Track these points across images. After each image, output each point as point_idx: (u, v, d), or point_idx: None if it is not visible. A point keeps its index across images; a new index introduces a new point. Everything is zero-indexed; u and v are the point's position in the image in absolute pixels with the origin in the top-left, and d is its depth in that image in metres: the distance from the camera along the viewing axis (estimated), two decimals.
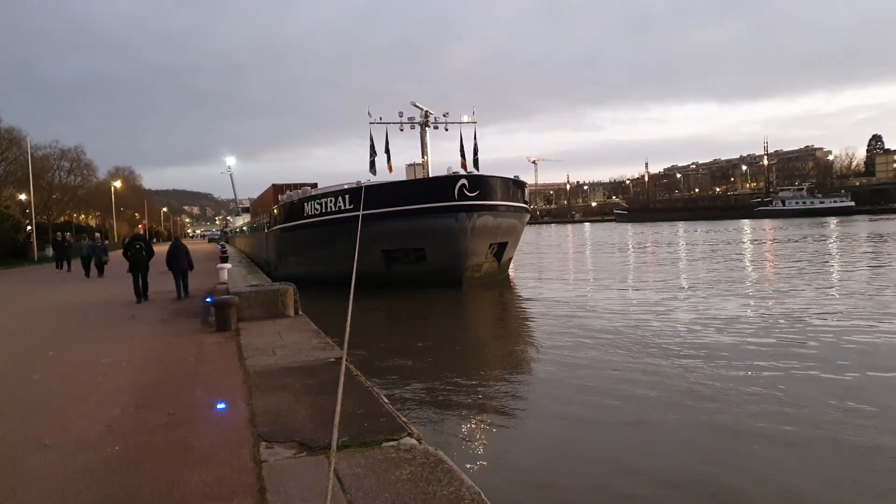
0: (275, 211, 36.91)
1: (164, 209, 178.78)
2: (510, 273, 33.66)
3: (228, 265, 23.05)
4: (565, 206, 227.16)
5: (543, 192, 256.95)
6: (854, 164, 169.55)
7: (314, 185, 36.98)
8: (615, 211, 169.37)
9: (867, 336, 14.46)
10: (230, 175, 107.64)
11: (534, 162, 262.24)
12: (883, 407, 9.48)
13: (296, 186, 38.33)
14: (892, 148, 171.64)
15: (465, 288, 26.89)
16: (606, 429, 9.24)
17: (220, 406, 7.10)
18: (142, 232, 42.65)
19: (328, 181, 31.12)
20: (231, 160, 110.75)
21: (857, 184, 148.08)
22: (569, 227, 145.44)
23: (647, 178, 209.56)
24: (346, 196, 27.90)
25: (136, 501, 4.79)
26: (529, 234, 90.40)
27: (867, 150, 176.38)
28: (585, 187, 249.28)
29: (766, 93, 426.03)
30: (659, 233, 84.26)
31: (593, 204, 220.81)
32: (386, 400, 7.21)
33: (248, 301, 13.48)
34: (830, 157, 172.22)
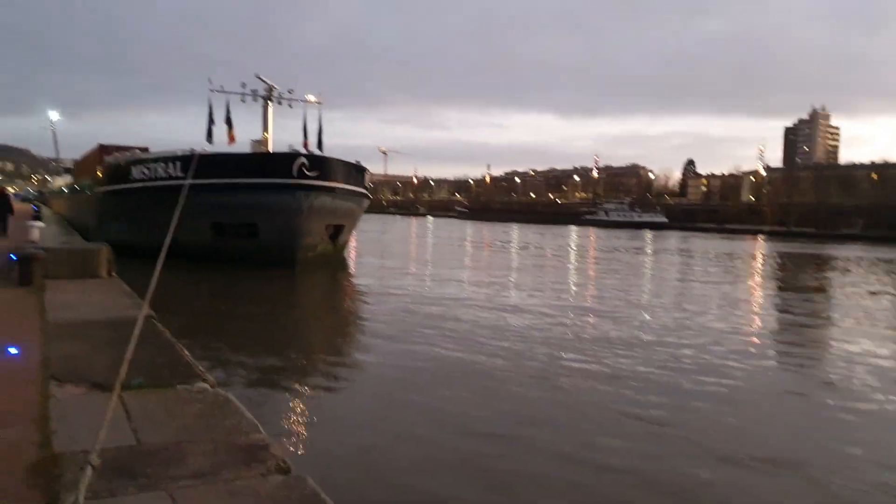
0: (98, 173, 34.68)
1: None
2: (350, 257, 34.09)
3: (41, 223, 21.59)
4: (412, 198, 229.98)
5: (391, 183, 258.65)
6: (670, 183, 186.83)
7: (145, 150, 35.18)
8: (457, 208, 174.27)
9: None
10: (52, 131, 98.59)
11: (384, 152, 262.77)
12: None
13: (125, 149, 36.21)
14: (702, 173, 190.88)
15: (299, 267, 26.95)
16: (410, 391, 10.00)
17: (12, 351, 7.04)
18: None
19: (162, 148, 29.77)
20: (55, 115, 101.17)
21: (672, 202, 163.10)
22: (413, 219, 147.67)
23: (488, 180, 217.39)
24: (178, 163, 26.92)
25: None
26: (374, 224, 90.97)
27: (682, 173, 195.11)
28: (431, 182, 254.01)
29: (598, 111, 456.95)
30: (495, 232, 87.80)
31: (437, 199, 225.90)
32: (187, 353, 7.51)
33: (56, 258, 12.92)
34: (651, 176, 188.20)
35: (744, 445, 8.24)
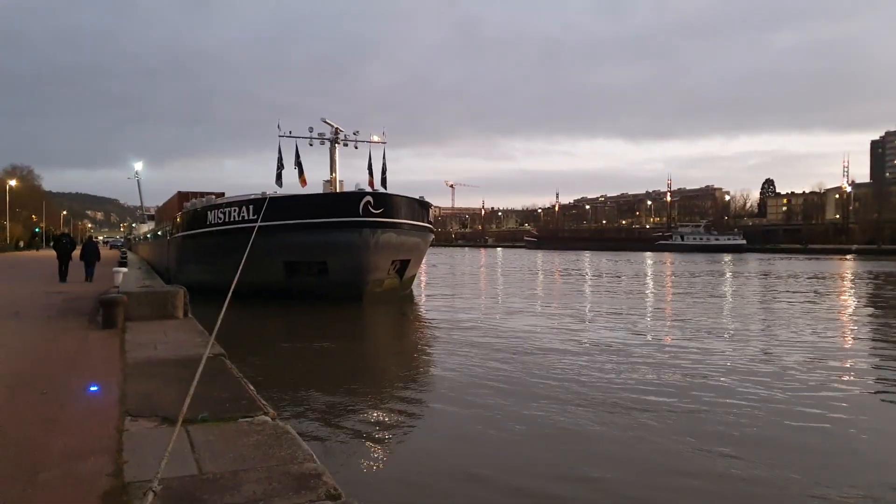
0: (177, 218, 36.51)
1: (64, 212, 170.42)
2: (420, 290, 34.55)
3: (124, 269, 22.85)
4: (479, 230, 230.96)
5: (459, 216, 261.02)
6: (748, 204, 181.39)
7: (221, 195, 36.84)
8: (525, 238, 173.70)
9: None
10: (137, 181, 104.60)
11: (451, 186, 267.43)
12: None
13: (201, 195, 38.02)
14: (782, 192, 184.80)
15: (366, 302, 27.53)
16: (479, 440, 9.72)
17: (93, 388, 7.58)
18: (67, 232, 44.17)
19: (238, 192, 31.06)
20: (139, 165, 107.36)
21: (751, 224, 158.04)
22: (482, 250, 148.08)
23: (557, 208, 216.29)
24: (251, 206, 28.09)
25: None
26: (443, 256, 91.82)
27: (761, 193, 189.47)
28: (499, 213, 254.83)
29: (670, 133, 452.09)
30: (566, 260, 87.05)
31: (505, 229, 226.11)
32: (251, 388, 7.86)
33: (137, 301, 13.71)
34: (727, 198, 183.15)
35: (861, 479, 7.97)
